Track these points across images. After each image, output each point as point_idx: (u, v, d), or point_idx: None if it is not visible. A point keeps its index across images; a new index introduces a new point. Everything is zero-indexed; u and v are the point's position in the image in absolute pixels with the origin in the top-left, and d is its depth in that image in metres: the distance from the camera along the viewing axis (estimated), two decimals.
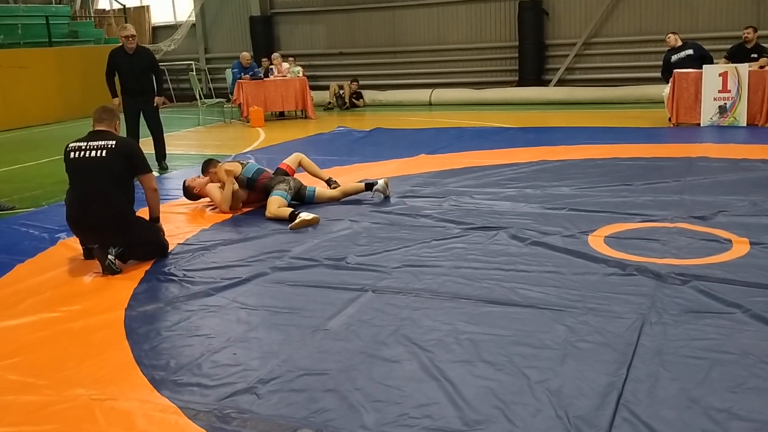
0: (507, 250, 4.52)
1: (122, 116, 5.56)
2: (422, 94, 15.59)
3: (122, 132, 5.13)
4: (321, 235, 5.06)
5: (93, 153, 4.56)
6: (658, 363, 2.88)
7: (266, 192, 5.84)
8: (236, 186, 5.95)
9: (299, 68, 13.98)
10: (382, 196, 6.04)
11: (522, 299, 3.67)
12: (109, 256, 4.46)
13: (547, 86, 14.93)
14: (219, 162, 6.26)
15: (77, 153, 4.60)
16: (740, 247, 4.31)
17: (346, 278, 4.13)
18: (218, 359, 3.16)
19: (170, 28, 19.01)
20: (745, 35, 10.10)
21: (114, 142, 4.61)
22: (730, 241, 4.45)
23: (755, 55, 9.86)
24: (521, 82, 15.10)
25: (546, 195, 5.93)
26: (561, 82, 15.07)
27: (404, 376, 2.91)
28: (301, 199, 6.00)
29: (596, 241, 4.58)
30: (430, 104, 15.35)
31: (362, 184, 6.18)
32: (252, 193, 6.05)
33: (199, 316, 3.71)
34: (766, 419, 2.44)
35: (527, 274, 4.04)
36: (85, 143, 4.62)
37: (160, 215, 4.96)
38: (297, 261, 4.50)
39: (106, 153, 4.55)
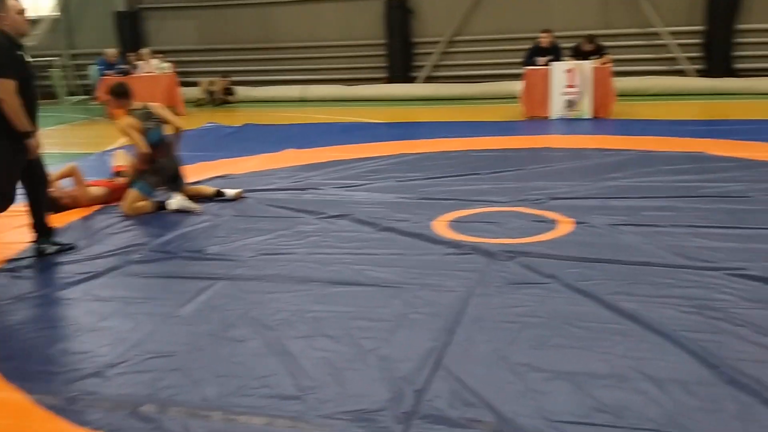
0: (359, 236, 4.81)
1: None
2: (294, 90, 15.74)
3: None
4: (180, 228, 5.16)
5: None
6: (477, 328, 3.24)
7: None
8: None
9: (168, 64, 13.78)
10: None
11: (367, 279, 3.96)
12: None
13: (415, 83, 15.47)
14: None
15: None
16: (565, 227, 4.80)
17: (202, 268, 4.27)
18: (68, 348, 3.25)
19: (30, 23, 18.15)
20: (586, 47, 10.89)
21: None
22: (557, 221, 4.93)
23: (596, 56, 10.71)
24: (390, 79, 15.57)
25: (400, 186, 6.28)
26: (428, 79, 15.66)
27: (248, 353, 3.11)
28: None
29: (440, 226, 4.95)
30: (303, 100, 15.53)
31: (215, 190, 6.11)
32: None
33: (51, 309, 3.77)
34: (558, 370, 2.82)
35: (374, 257, 4.34)
36: None
37: None
38: (153, 254, 4.59)
39: None
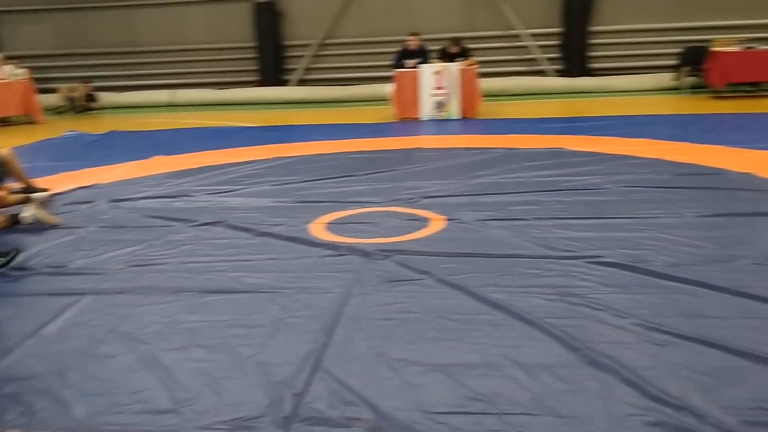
0: (234, 242, 4.73)
1: None
2: (163, 95, 15.27)
3: None
4: (41, 243, 4.88)
5: None
6: (355, 327, 3.27)
7: None
8: None
9: (23, 70, 12.98)
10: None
11: (242, 286, 3.90)
12: None
13: (287, 86, 15.40)
14: None
15: None
16: (437, 224, 4.94)
17: (66, 284, 4.06)
18: None
19: None
20: (452, 49, 11.24)
21: None
22: (429, 219, 5.07)
23: (461, 58, 11.08)
24: (262, 82, 15.41)
25: (276, 190, 6.24)
26: (301, 82, 15.63)
27: (119, 369, 2.99)
28: None
29: (316, 228, 4.96)
30: (172, 105, 15.08)
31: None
32: None
33: None
34: (433, 362, 2.90)
35: (250, 263, 4.28)
36: None
37: None
38: (11, 271, 4.31)
39: None
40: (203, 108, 14.51)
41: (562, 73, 14.85)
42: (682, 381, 2.65)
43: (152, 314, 3.57)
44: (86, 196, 6.28)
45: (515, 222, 4.86)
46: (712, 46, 12.05)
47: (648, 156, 6.88)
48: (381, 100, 13.63)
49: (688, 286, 3.57)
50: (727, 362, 2.78)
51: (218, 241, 4.77)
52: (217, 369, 2.94)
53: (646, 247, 4.19)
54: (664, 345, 2.96)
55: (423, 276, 3.90)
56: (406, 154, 7.72)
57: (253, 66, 15.81)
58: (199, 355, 3.08)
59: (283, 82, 15.56)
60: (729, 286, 3.53)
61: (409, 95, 10.89)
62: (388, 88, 11.43)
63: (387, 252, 4.31)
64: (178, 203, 5.87)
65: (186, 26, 16.01)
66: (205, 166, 7.45)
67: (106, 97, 15.12)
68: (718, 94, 11.85)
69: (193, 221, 5.25)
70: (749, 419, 2.38)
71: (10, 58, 13.50)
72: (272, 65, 15.46)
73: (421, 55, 11.16)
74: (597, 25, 14.76)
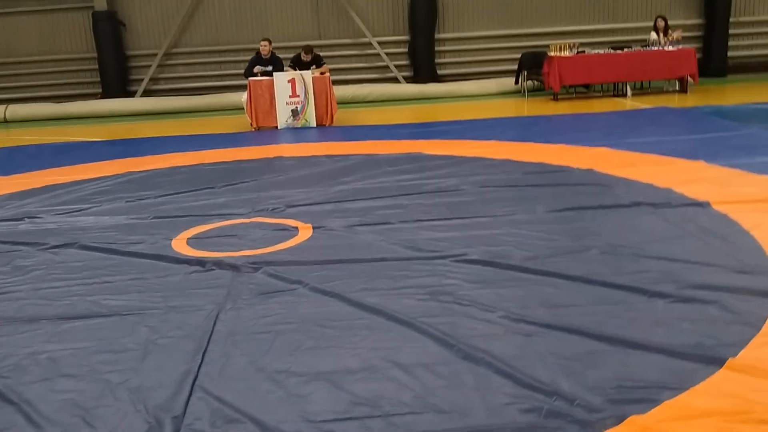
0: (90, 264, 4.48)
1: None
2: None
3: None
4: None
5: None
6: (231, 343, 3.20)
7: None
8: None
9: None
10: None
11: (105, 309, 3.70)
12: None
13: (133, 97, 14.78)
14: None
15: None
16: (305, 233, 4.93)
17: None
18: None
19: None
20: (304, 57, 11.23)
21: None
22: (297, 228, 5.05)
23: (314, 66, 11.14)
24: (105, 94, 14.69)
25: (131, 206, 5.97)
26: (147, 93, 15.05)
27: None
28: None
29: (179, 244, 4.80)
30: (6, 121, 14.02)
31: None
32: None
33: None
34: (315, 371, 2.90)
35: (111, 285, 4.07)
36: None
37: None
38: None
39: None
40: (41, 123, 13.60)
41: (412, 80, 15.29)
42: (550, 368, 2.82)
43: (8, 346, 3.31)
44: None
45: (382, 226, 4.95)
46: (548, 51, 12.87)
47: (498, 157, 7.24)
48: (233, 109, 13.41)
49: (546, 278, 3.80)
50: (588, 347, 2.99)
51: (73, 264, 4.50)
52: (87, 399, 2.78)
53: (505, 243, 4.41)
54: (531, 335, 3.13)
55: (296, 286, 3.88)
56: (267, 164, 7.65)
57: (93, 78, 15.05)
58: (65, 386, 2.90)
59: (128, 94, 14.91)
60: (583, 275, 3.79)
61: (263, 104, 10.79)
62: (241, 97, 11.26)
63: (256, 264, 4.25)
64: (23, 226, 5.47)
65: (16, 37, 14.94)
66: (49, 185, 7.00)
67: None
68: (555, 97, 12.67)
69: (43, 244, 4.92)
70: (613, 398, 2.56)
71: None
72: (115, 76, 14.78)
73: (274, 63, 11.09)
74: (442, 33, 15.34)
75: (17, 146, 10.42)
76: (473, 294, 3.62)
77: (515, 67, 14.15)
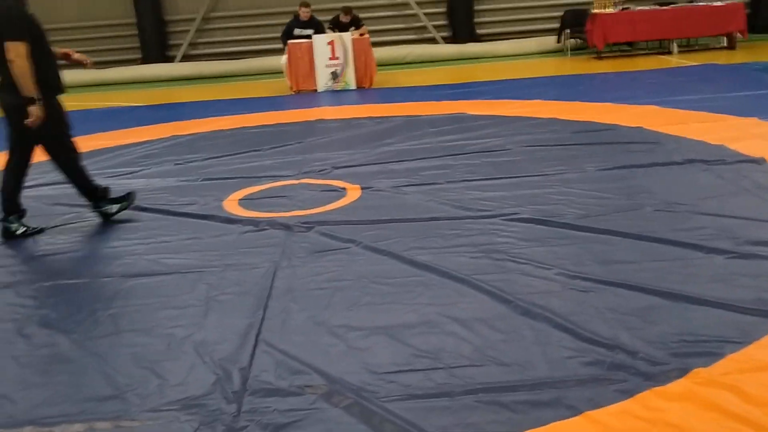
0: (146, 224, 4.58)
1: None
2: None
3: None
4: None
5: None
6: (290, 299, 3.27)
7: None
8: None
9: None
10: None
11: (165, 268, 3.80)
12: None
13: (173, 62, 14.86)
14: None
15: None
16: (353, 193, 4.96)
17: None
18: None
19: None
20: (343, 18, 11.18)
21: None
22: (345, 189, 5.08)
23: (353, 27, 11.06)
24: (145, 60, 14.79)
25: (180, 168, 6.06)
26: (186, 58, 15.11)
27: (49, 360, 2.86)
28: None
29: (231, 205, 4.87)
30: None
31: None
32: None
33: None
34: (374, 325, 2.95)
35: (168, 244, 4.17)
36: None
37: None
38: None
39: None
40: (83, 89, 13.76)
41: (450, 40, 15.08)
42: (609, 322, 2.82)
43: (73, 303, 3.42)
44: None
45: (429, 186, 4.95)
46: (591, 9, 12.58)
47: (544, 116, 7.15)
48: (273, 72, 13.40)
49: (600, 235, 3.78)
50: (646, 302, 2.98)
51: (129, 225, 4.60)
52: (154, 352, 2.87)
53: (556, 202, 4.39)
54: (588, 291, 3.13)
55: (348, 244, 3.92)
56: (309, 126, 7.67)
57: (133, 43, 15.11)
58: (132, 340, 2.99)
59: (167, 59, 14.99)
60: (637, 233, 3.76)
61: (303, 67, 10.77)
62: (281, 61, 11.25)
63: (308, 224, 4.30)
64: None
65: (56, 4, 15.07)
66: (98, 149, 7.11)
67: None
68: (599, 55, 12.41)
69: (98, 206, 5.02)
70: (676, 351, 2.56)
71: None
72: (155, 41, 14.84)
73: (314, 26, 11.04)
74: None
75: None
76: (527, 252, 3.62)
77: (556, 25, 13.87)
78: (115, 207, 4.71)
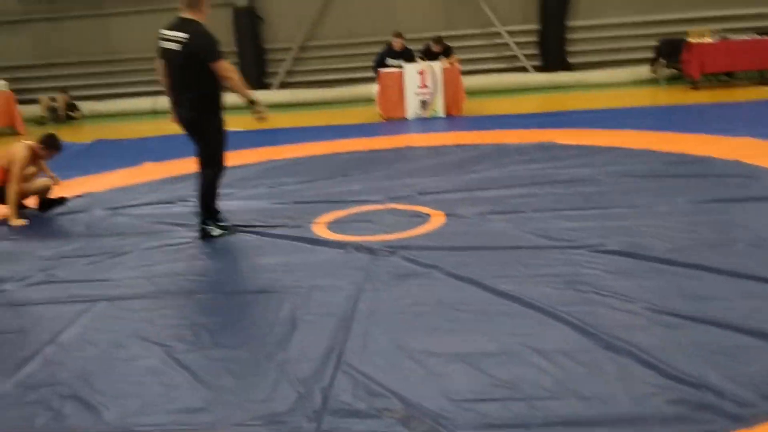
0: (239, 244, 4.78)
1: None
2: (146, 102, 15.21)
3: None
4: (44, 251, 4.88)
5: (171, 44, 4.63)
6: (372, 322, 3.33)
7: None
8: None
9: (3, 82, 12.87)
10: None
11: (254, 287, 3.95)
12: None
13: (270, 89, 15.40)
14: None
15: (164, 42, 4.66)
16: (437, 219, 5.01)
17: (77, 292, 4.07)
18: None
19: None
20: (435, 48, 11.33)
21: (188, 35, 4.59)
22: (429, 215, 5.14)
23: (443, 56, 11.18)
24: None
25: (273, 192, 6.29)
26: (283, 85, 15.63)
27: (144, 371, 3.03)
28: None
29: (320, 228, 5.01)
30: (155, 112, 15.01)
31: None
32: None
33: None
34: (455, 352, 2.97)
35: (258, 264, 4.33)
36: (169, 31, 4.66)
37: None
38: (20, 282, 4.32)
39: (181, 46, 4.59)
40: None
41: (541, 69, 15.00)
42: (695, 360, 2.75)
43: (168, 317, 3.61)
44: (82, 204, 6.28)
45: (514, 215, 4.95)
46: (687, 38, 12.25)
47: (635, 147, 7.01)
48: (364, 100, 13.69)
49: (689, 270, 3.68)
50: (736, 341, 2.88)
51: (220, 244, 4.81)
52: (241, 367, 2.99)
53: (644, 235, 4.30)
54: (675, 327, 3.05)
55: (431, 270, 3.97)
56: (398, 153, 7.80)
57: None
58: (222, 354, 3.13)
59: (265, 86, 15.56)
60: (729, 269, 3.64)
61: (394, 95, 10.96)
62: (372, 89, 11.49)
63: (392, 248, 4.38)
64: (176, 208, 5.89)
65: None
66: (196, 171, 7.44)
67: (85, 106, 15.02)
68: (695, 85, 12.05)
69: (192, 225, 5.27)
70: (766, 393, 2.47)
71: None
72: (254, 69, 15.45)
73: (406, 56, 11.23)
74: (574, 20, 14.94)
75: (167, 135, 11.11)
76: (612, 284, 3.56)
77: (651, 54, 13.57)
78: (217, 231, 4.96)
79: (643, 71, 13.77)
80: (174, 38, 4.68)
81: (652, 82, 13.47)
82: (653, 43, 13.70)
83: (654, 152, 6.69)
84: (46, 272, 4.44)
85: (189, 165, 7.81)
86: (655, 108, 10.67)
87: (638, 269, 3.76)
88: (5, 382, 3.00)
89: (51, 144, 6.05)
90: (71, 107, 14.64)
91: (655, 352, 2.82)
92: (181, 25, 4.72)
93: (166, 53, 4.75)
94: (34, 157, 5.98)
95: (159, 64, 4.83)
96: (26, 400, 2.84)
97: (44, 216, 6.03)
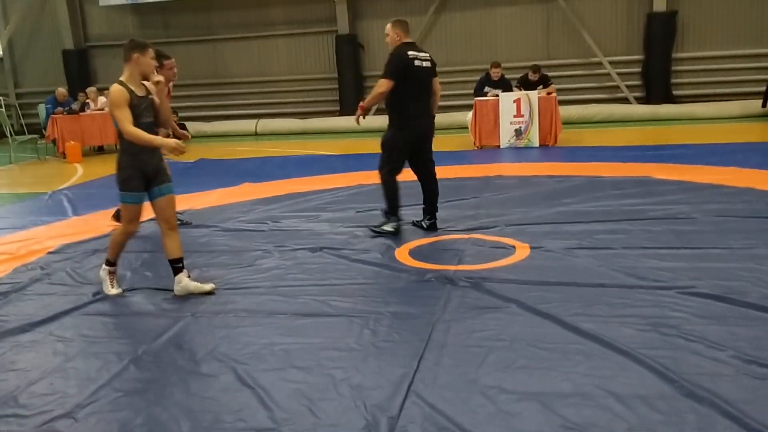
0: (322, 267, 4.86)
1: None
2: (248, 125, 15.80)
3: None
4: (134, 262, 5.13)
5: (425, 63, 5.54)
6: (444, 353, 3.32)
7: None
8: None
9: None
10: None
11: (333, 310, 4.01)
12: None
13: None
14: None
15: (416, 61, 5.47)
16: (522, 252, 4.94)
17: (164, 306, 4.26)
18: (35, 390, 3.20)
19: None
20: (532, 76, 11.25)
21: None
22: (514, 247, 5.08)
23: (541, 86, 11.07)
24: (342, 112, 15.74)
25: (360, 216, 6.38)
26: (379, 111, 15.85)
27: (219, 388, 3.12)
28: None
29: (402, 254, 5.04)
30: (257, 134, 15.57)
31: None
32: None
33: (14, 352, 3.70)
34: (527, 390, 2.91)
35: (339, 287, 4.39)
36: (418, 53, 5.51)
37: None
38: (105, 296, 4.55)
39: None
40: (285, 137, 14.92)
41: (643, 101, 14.59)
42: None
43: (248, 336, 3.70)
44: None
45: (602, 251, 4.82)
46: None
47: (738, 185, 6.69)
48: (458, 128, 13.70)
49: None
50: None
51: (307, 266, 4.91)
52: (313, 390, 3.04)
53: (740, 278, 4.09)
54: (764, 378, 2.88)
55: (510, 304, 3.91)
56: (487, 182, 7.75)
57: (333, 96, 16.19)
58: (295, 376, 3.19)
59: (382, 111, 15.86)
60: None
61: (488, 123, 10.93)
62: (466, 116, 11.49)
63: (472, 279, 4.34)
64: (267, 228, 6.06)
65: (269, 58, 16.56)
66: (291, 193, 7.68)
67: (192, 126, 15.75)
68: None
69: (283, 246, 5.42)
70: None
71: (103, 90, 14.24)
72: (352, 95, 15.78)
73: (503, 85, 11.19)
74: (680, 52, 14.48)
75: (266, 157, 11.52)
76: (701, 329, 3.40)
77: (763, 88, 12.95)
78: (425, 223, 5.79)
79: (755, 106, 13.15)
80: (425, 58, 5.54)
81: (763, 117, 12.83)
82: (766, 76, 13.08)
83: (757, 191, 6.37)
84: (132, 285, 4.66)
85: (285, 186, 8.09)
86: (764, 144, 10.15)
87: (730, 315, 3.57)
88: (91, 389, 3.16)
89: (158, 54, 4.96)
90: (180, 127, 15.36)
91: (741, 404, 2.67)
92: (419, 48, 5.63)
93: (421, 71, 5.51)
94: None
95: (406, 84, 5.43)
96: (109, 408, 2.98)
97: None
